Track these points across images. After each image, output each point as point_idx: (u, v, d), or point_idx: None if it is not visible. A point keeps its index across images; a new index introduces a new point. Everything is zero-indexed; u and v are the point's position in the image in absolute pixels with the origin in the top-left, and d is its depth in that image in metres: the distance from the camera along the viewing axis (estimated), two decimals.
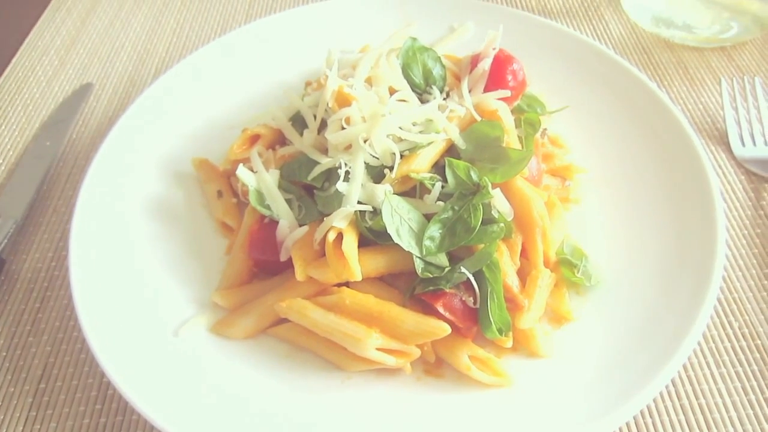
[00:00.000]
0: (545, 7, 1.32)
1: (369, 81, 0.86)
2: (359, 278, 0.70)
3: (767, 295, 0.82)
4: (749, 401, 0.73)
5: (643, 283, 0.76)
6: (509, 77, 0.86)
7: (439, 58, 0.88)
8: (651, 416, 0.72)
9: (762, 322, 0.80)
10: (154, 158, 0.97)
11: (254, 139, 0.91)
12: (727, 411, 0.72)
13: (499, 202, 0.75)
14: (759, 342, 0.78)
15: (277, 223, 0.79)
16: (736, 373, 0.75)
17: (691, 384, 0.75)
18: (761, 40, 1.20)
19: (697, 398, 0.73)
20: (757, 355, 0.77)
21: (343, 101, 0.82)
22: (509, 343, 0.71)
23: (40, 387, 0.80)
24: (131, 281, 0.82)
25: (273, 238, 0.79)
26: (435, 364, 0.73)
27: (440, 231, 0.73)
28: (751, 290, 0.83)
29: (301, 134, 0.87)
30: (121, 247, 0.85)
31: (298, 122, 0.91)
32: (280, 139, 0.92)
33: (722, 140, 1.02)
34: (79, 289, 0.78)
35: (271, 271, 0.81)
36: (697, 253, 0.76)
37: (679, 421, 0.72)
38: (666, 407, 0.73)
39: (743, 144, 1.00)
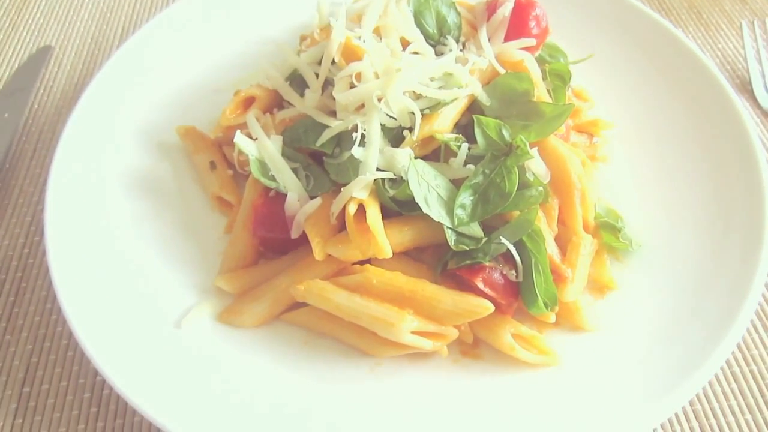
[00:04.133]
0: None
1: (377, 32, 0.76)
2: (389, 255, 0.62)
3: None
4: None
5: (688, 245, 0.71)
6: (532, 24, 0.78)
7: (454, 3, 0.79)
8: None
9: None
10: (133, 128, 0.87)
11: (248, 102, 0.81)
12: None
13: (535, 164, 0.67)
14: None
15: (284, 196, 0.70)
16: None
17: (741, 351, 0.70)
18: None
19: (748, 365, 0.69)
20: None
21: (350, 55, 0.72)
22: (553, 318, 0.65)
23: (24, 391, 0.71)
24: (119, 268, 0.72)
25: (280, 213, 0.70)
26: (472, 345, 0.66)
27: (472, 198, 0.66)
28: None
29: (302, 95, 0.78)
30: (104, 230, 0.75)
31: (295, 82, 0.82)
32: (277, 102, 0.82)
33: (745, 88, 0.97)
34: (61, 279, 0.68)
35: (279, 249, 0.73)
36: (743, 207, 0.70)
37: (732, 390, 0.67)
38: (717, 376, 0.68)
39: None
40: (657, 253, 0.72)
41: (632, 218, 0.75)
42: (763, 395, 0.67)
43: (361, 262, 0.67)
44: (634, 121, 0.85)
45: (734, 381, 0.68)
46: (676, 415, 0.66)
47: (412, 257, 0.69)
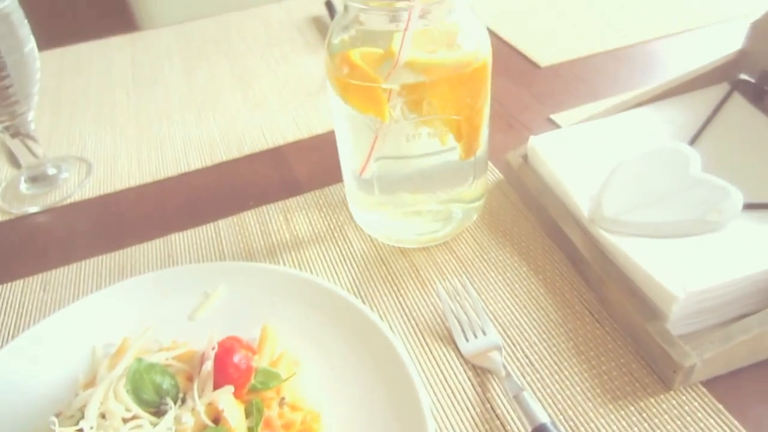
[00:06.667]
0: (297, 237, 1.48)
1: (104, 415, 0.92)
2: None
3: None
4: None
5: None
6: (231, 370, 0.96)
7: (166, 371, 0.97)
8: None
9: None
10: None
11: None
12: None
13: None
14: None
15: None
16: None
17: None
18: (474, 227, 1.42)
19: None
20: None
21: None
22: None
23: None
24: None
25: None
26: None
27: None
28: None
29: None
30: None
31: None
32: None
33: (452, 339, 1.18)
34: None
35: None
36: None
37: None
38: None
39: (467, 340, 1.16)
40: None
41: None
42: None
43: None
44: (346, 409, 1.02)
45: None
46: None
47: None
